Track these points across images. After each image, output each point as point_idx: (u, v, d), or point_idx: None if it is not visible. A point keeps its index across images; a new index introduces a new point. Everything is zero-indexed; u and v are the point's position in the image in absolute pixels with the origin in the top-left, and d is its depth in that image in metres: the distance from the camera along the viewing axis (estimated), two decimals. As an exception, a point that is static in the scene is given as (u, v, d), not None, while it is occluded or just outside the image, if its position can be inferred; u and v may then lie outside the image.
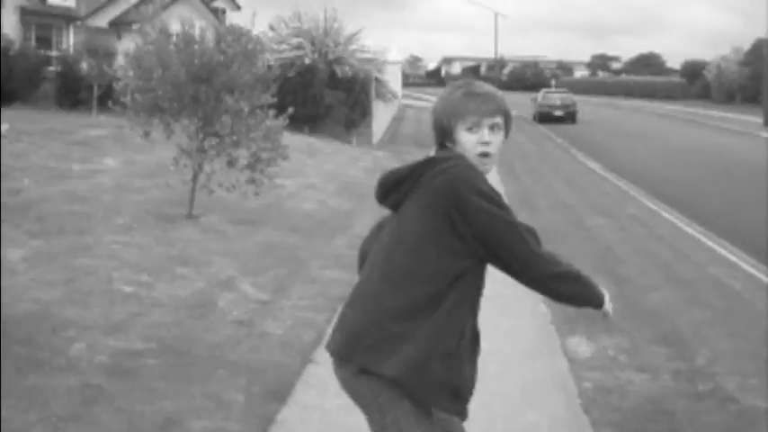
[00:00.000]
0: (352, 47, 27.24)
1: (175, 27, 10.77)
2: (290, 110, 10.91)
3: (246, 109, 10.03)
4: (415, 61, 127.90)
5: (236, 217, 11.29)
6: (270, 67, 10.83)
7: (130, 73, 10.47)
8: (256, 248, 9.71)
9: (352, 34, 27.66)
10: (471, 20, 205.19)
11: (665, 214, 14.86)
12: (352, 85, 26.21)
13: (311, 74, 25.26)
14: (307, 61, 25.63)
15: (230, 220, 11.16)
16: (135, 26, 24.48)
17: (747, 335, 7.12)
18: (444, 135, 3.16)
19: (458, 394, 2.94)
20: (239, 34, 10.37)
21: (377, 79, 28.33)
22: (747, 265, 10.40)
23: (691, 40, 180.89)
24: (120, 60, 19.29)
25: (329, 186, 15.68)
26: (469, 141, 3.07)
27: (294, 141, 22.42)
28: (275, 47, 26.27)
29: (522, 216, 11.64)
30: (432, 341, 2.83)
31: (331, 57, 26.37)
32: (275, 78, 11.51)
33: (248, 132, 10.19)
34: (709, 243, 12.02)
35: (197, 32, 10.56)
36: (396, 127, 36.18)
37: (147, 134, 10.80)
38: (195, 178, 10.75)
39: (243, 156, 10.85)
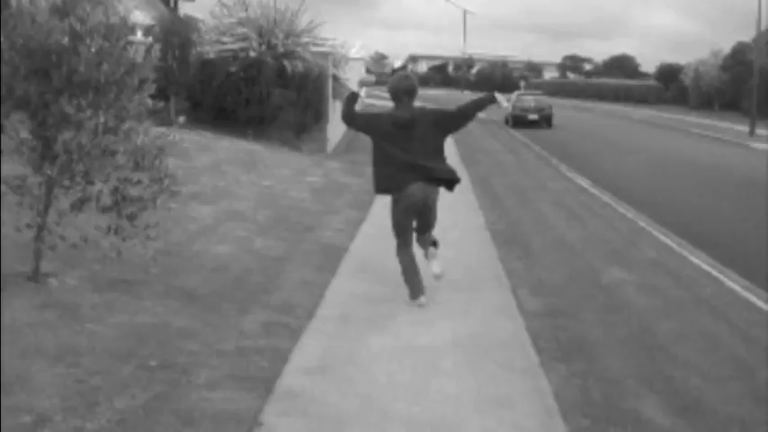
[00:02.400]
0: (306, 39, 23.56)
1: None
2: (167, 103, 7.06)
3: (104, 119, 6.34)
4: (380, 59, 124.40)
5: (108, 275, 7.71)
6: (150, 52, 6.96)
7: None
8: (113, 341, 6.14)
9: (308, 25, 24.00)
10: (438, 18, 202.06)
11: (694, 259, 11.47)
12: (305, 82, 22.51)
13: (256, 69, 21.59)
14: (252, 54, 21.95)
15: (97, 280, 7.59)
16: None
17: None
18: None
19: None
20: (97, 2, 6.60)
21: (334, 77, 24.62)
22: None
23: (655, 44, 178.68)
24: None
25: (260, 215, 12.07)
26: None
27: (231, 150, 18.83)
28: (215, 38, 22.59)
29: (516, 268, 10.18)
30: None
31: (281, 50, 22.66)
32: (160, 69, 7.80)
33: (104, 156, 6.48)
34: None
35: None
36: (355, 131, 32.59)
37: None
38: (41, 226, 7.08)
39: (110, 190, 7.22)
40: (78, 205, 6.64)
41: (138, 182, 6.82)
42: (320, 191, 15.25)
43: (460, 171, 21.22)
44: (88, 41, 6.23)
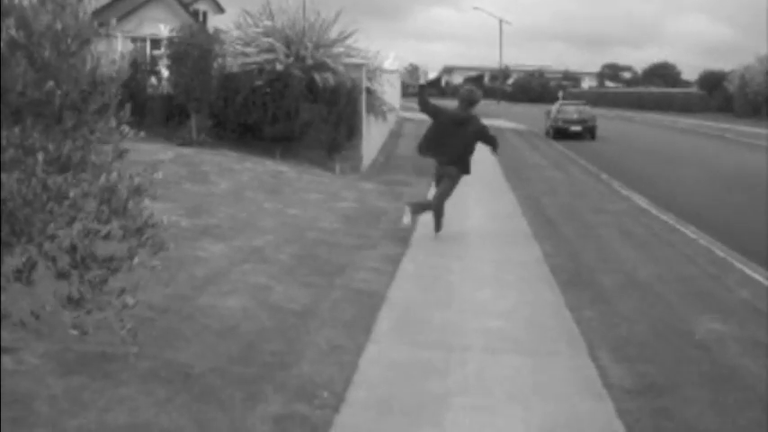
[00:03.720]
0: (337, 50, 21.86)
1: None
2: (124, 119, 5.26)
3: (57, 153, 4.60)
4: (414, 70, 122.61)
5: (83, 347, 6.03)
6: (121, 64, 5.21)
7: None
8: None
9: (339, 34, 22.32)
10: (469, 29, 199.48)
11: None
12: (337, 96, 20.76)
13: (284, 83, 19.91)
14: (279, 67, 20.26)
15: (66, 356, 5.92)
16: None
17: None
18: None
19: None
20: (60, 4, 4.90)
21: (368, 90, 22.88)
22: None
23: (691, 51, 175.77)
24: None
25: (283, 253, 10.34)
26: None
27: (255, 172, 17.12)
28: (239, 49, 20.96)
29: (589, 319, 8.46)
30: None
31: (310, 62, 20.97)
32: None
33: (59, 200, 4.71)
34: None
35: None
36: (392, 146, 30.78)
37: None
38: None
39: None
40: (25, 271, 4.90)
41: (108, 235, 5.09)
42: (353, 219, 13.52)
43: (505, 190, 19.67)
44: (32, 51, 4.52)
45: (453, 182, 12.28)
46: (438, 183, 12.48)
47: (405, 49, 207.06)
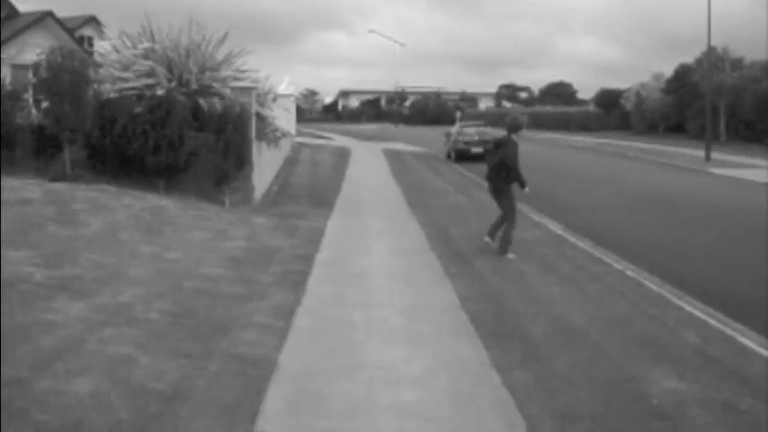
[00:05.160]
0: (225, 72, 20.21)
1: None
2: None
3: None
4: (310, 95, 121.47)
5: None
6: None
7: None
8: None
9: (226, 56, 20.68)
10: (367, 53, 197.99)
11: (744, 341, 8.47)
12: (225, 123, 19.07)
13: (166, 109, 18.15)
14: (160, 92, 18.53)
15: None
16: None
17: None
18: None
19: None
20: None
21: (258, 115, 21.24)
22: None
23: (582, 71, 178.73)
24: None
25: (155, 311, 8.64)
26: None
27: (134, 208, 15.19)
28: (118, 74, 19.18)
29: (523, 384, 7.01)
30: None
31: (195, 86, 19.29)
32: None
33: None
34: None
35: None
36: (287, 174, 29.17)
37: None
38: None
39: None
40: None
41: None
42: (242, 261, 11.90)
43: (410, 220, 18.28)
44: None
45: (506, 196, 13.67)
46: (496, 198, 13.88)
47: (300, 74, 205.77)
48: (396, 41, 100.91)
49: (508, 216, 13.54)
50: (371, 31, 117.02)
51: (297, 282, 10.64)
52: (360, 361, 7.48)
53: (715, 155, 40.65)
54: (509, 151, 13.25)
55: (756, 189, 26.25)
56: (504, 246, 13.36)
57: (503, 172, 13.34)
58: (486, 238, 13.94)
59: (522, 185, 13.56)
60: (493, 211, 18.97)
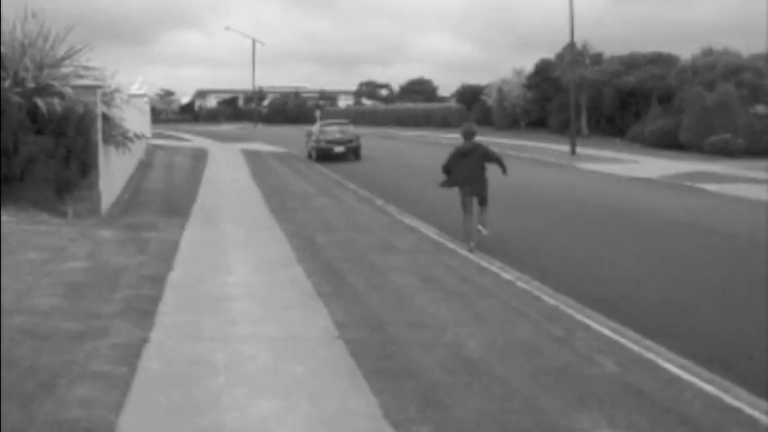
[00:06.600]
0: (66, 69, 18.35)
1: None
2: None
3: None
4: (166, 95, 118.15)
5: None
6: None
7: None
8: None
9: (67, 51, 18.79)
10: (223, 52, 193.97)
11: (662, 363, 7.43)
12: (66, 126, 17.20)
13: (-3, 111, 16.21)
14: (-9, 92, 16.57)
15: None
16: None
17: None
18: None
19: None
20: None
21: (105, 117, 19.40)
22: None
23: (438, 68, 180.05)
24: None
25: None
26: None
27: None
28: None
29: None
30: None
31: (32, 84, 17.39)
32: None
33: None
34: None
35: None
36: (140, 179, 27.22)
37: None
38: None
39: None
40: None
41: None
42: (81, 287, 10.24)
43: (273, 228, 16.85)
44: None
45: (486, 187, 15.50)
46: (465, 207, 15.23)
47: (156, 74, 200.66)
48: (254, 39, 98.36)
49: (486, 201, 15.45)
50: (228, 29, 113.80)
51: (145, 311, 9.10)
52: (220, 421, 6.03)
53: (579, 149, 40.73)
54: (485, 150, 15.53)
55: (623, 183, 25.88)
56: (467, 237, 14.86)
57: (482, 170, 15.31)
58: (479, 226, 15.14)
59: (504, 169, 15.87)
60: (359, 214, 17.67)
